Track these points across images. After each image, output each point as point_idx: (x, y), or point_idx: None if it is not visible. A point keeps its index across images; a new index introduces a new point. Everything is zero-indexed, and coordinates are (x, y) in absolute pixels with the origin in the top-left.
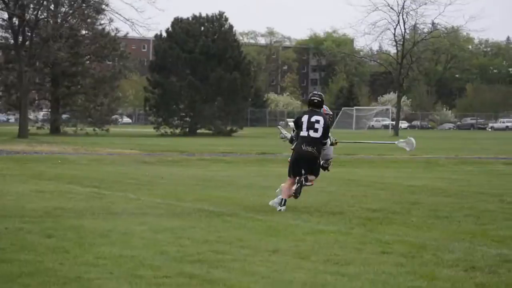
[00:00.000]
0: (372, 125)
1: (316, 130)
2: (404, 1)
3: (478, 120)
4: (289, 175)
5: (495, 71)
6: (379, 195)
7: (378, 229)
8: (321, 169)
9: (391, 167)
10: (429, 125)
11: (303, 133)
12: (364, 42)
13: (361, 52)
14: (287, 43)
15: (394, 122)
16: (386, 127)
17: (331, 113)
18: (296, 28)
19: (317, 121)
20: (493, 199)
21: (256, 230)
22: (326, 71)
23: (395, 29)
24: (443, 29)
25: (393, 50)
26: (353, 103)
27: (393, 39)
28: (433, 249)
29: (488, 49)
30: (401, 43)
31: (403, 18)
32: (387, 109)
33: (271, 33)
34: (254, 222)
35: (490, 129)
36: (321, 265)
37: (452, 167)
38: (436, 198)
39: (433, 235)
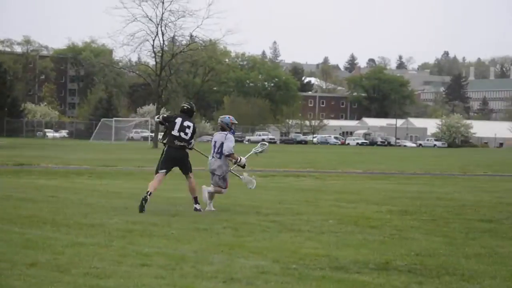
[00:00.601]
0: (132, 137)
1: (186, 134)
2: (163, 13)
3: (236, 133)
4: (157, 172)
5: (251, 84)
6: None
7: (138, 241)
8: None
9: (151, 179)
10: None
11: (175, 132)
12: (123, 53)
13: (120, 63)
14: (45, 52)
15: (153, 134)
16: (145, 138)
17: (236, 122)
18: (54, 37)
19: (188, 127)
20: (250, 211)
21: (13, 243)
22: (84, 81)
23: (153, 40)
24: (201, 41)
25: (152, 62)
26: (112, 114)
27: (152, 50)
28: (193, 261)
29: (245, 62)
30: (160, 54)
31: (161, 30)
32: (146, 121)
33: (27, 41)
34: (11, 234)
35: (247, 142)
36: (80, 278)
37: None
38: (195, 211)
39: (193, 247)
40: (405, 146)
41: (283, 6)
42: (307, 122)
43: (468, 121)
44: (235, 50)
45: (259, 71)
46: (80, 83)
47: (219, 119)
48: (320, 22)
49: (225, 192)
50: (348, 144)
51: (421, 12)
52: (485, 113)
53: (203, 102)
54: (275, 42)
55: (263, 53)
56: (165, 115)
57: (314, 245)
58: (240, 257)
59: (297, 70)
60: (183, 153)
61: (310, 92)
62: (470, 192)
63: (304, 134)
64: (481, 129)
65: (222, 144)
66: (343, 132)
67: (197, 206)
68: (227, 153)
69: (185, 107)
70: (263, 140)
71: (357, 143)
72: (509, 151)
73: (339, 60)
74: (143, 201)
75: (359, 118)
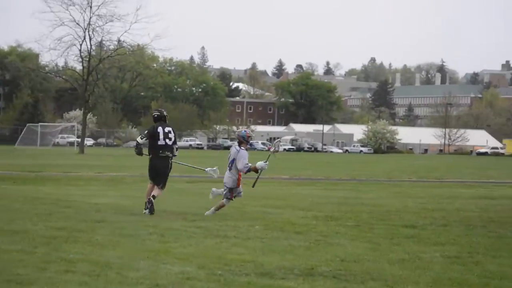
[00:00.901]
0: (57, 142)
1: (170, 139)
2: (91, 17)
3: None
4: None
5: (179, 89)
6: (64, 213)
7: (62, 247)
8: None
9: (77, 184)
10: (115, 143)
11: (161, 142)
12: (50, 57)
13: (46, 68)
14: None
15: (79, 139)
16: (71, 144)
17: (252, 135)
18: None
19: (170, 131)
20: (176, 217)
21: None
22: (10, 86)
23: (81, 45)
24: (129, 46)
25: (79, 66)
26: (38, 119)
27: (79, 55)
28: (118, 267)
29: (173, 67)
30: (87, 59)
31: (89, 34)
32: (73, 126)
33: None
34: None
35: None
36: (2, 286)
37: (137, 185)
38: (121, 216)
39: (118, 253)
40: (331, 152)
41: (211, 11)
42: (235, 128)
43: (394, 127)
44: (163, 55)
45: (187, 76)
46: (5, 88)
47: (236, 132)
48: (249, 28)
49: (227, 204)
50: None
51: (349, 18)
52: (411, 119)
53: (130, 107)
54: (203, 47)
55: (191, 58)
56: (146, 132)
57: (240, 251)
58: (166, 263)
59: (225, 76)
60: (166, 163)
61: (237, 98)
62: (395, 198)
63: (232, 139)
64: (406, 135)
65: (234, 159)
66: (270, 138)
67: (147, 212)
68: (245, 172)
69: (156, 115)
70: (275, 138)
71: (284, 149)
72: (434, 157)
73: (267, 66)
74: (149, 206)
75: (286, 124)
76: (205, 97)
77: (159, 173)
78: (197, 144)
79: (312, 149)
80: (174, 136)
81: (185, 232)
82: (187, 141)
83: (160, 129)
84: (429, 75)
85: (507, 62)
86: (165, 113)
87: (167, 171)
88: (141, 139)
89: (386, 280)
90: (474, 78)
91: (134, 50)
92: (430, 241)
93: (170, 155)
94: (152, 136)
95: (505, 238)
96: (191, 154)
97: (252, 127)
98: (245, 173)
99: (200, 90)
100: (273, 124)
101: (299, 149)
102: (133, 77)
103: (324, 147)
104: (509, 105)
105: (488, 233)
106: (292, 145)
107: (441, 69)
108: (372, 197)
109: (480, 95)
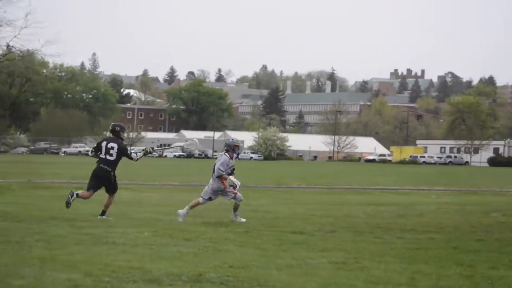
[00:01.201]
0: None
1: (111, 155)
2: None
3: (52, 145)
4: (87, 189)
5: (69, 96)
6: None
7: None
8: None
9: None
10: (2, 149)
11: (102, 155)
12: None
13: None
14: None
15: None
16: None
17: (239, 144)
18: None
19: (112, 148)
20: (64, 224)
21: None
22: None
23: None
24: (18, 52)
25: None
26: None
27: None
28: (3, 274)
29: (63, 73)
30: None
31: None
32: None
33: None
34: None
35: (63, 154)
36: None
37: (24, 192)
38: (6, 223)
39: (3, 261)
40: None
41: (102, 17)
42: (125, 134)
43: (284, 134)
44: (53, 61)
45: (78, 82)
46: None
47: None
48: (140, 34)
49: (240, 198)
50: (166, 156)
51: (239, 26)
52: (301, 127)
53: (19, 113)
54: (94, 54)
55: (82, 64)
56: (94, 146)
57: (128, 257)
58: (52, 271)
59: (116, 82)
60: (107, 175)
61: (128, 104)
62: (284, 204)
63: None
64: (296, 142)
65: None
66: (161, 144)
67: (103, 217)
68: (216, 176)
69: (110, 128)
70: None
71: (175, 156)
72: (323, 164)
73: (159, 73)
74: (70, 196)
75: (177, 131)
76: (96, 104)
77: (103, 182)
78: (86, 150)
79: (203, 155)
80: (119, 153)
81: (72, 239)
82: (76, 147)
83: (104, 143)
84: (320, 83)
85: (396, 70)
86: (118, 128)
87: (110, 180)
88: (91, 153)
89: (274, 287)
90: (363, 86)
91: (23, 56)
92: (317, 247)
93: (110, 169)
94: (97, 148)
95: (390, 244)
96: (80, 160)
97: (143, 133)
98: (217, 177)
99: (90, 96)
100: (164, 131)
101: (190, 155)
102: (22, 83)
103: (215, 154)
104: (397, 113)
105: (374, 239)
106: (183, 152)
107: (331, 77)
108: (261, 204)
109: (369, 103)
